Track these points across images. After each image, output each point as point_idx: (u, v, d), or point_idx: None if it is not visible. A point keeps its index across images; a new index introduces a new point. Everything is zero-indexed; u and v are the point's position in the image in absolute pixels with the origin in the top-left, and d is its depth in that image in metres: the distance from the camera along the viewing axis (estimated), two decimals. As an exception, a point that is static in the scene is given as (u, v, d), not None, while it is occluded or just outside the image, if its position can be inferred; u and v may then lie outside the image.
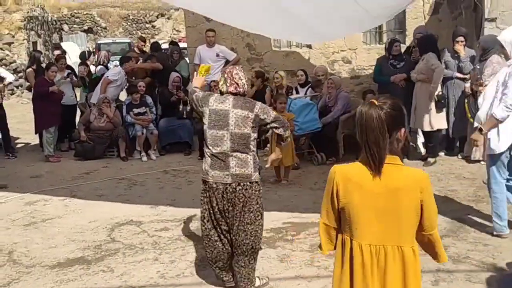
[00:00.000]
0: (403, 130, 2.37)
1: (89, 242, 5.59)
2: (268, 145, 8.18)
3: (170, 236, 5.64)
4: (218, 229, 4.26)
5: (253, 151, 4.19)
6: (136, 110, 9.54)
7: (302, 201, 6.61)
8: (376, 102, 2.33)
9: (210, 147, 4.14)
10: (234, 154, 4.10)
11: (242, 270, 4.25)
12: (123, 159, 9.29)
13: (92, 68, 12.19)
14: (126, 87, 10.12)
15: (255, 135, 4.20)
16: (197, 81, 4.63)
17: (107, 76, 9.97)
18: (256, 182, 4.17)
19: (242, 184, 4.09)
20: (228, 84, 4.18)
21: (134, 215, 6.36)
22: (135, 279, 4.69)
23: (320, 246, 2.58)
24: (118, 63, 10.86)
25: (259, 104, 4.21)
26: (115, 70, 10.30)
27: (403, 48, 8.89)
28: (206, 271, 4.78)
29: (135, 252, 5.29)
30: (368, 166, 2.33)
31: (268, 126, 4.25)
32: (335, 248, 2.53)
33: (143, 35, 22.43)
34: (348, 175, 2.37)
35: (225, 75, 4.22)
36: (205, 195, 4.23)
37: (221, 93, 4.25)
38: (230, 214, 4.16)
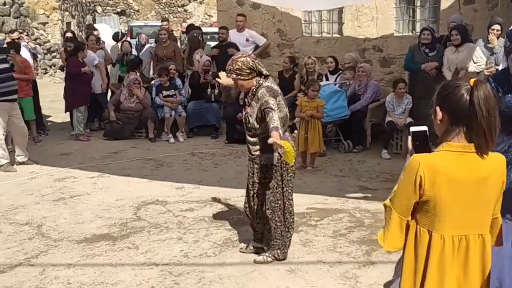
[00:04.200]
0: None
1: (115, 219, 5.70)
2: (296, 131, 8.16)
3: (194, 217, 5.71)
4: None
5: None
6: (165, 92, 9.62)
7: (327, 188, 6.60)
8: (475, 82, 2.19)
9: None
10: None
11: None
12: (151, 140, 9.40)
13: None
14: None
15: None
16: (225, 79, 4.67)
17: None
18: None
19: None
20: (264, 68, 4.43)
21: (160, 195, 6.44)
22: (159, 256, 4.76)
23: (382, 241, 2.33)
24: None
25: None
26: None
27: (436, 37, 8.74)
28: (228, 251, 4.84)
29: (159, 230, 5.36)
30: (479, 150, 2.19)
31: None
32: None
33: (175, 18, 22.48)
34: (436, 166, 2.19)
35: (256, 61, 4.41)
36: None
37: (266, 76, 4.42)
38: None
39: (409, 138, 2.35)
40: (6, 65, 7.72)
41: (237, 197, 6.08)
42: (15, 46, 9.18)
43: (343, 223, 5.44)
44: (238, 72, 4.35)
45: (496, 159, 2.27)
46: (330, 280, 4.27)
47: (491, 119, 2.18)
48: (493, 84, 3.31)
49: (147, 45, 11.67)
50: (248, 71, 4.33)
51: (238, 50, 9.22)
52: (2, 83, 7.48)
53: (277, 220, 4.51)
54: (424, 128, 2.33)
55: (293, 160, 4.33)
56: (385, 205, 2.31)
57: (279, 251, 4.56)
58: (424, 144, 2.31)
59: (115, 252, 4.87)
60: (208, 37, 14.50)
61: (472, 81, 2.21)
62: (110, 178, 7.19)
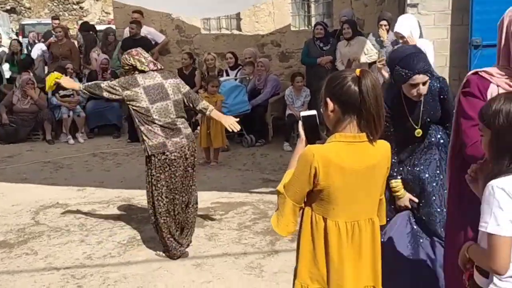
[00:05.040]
0: None
1: (11, 225, 5.44)
2: (199, 127, 8.18)
3: (97, 218, 5.57)
4: (178, 197, 4.58)
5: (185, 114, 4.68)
6: (62, 92, 9.27)
7: (231, 182, 6.68)
8: None
9: (157, 120, 4.43)
10: (179, 119, 4.52)
11: (193, 224, 4.80)
12: (49, 142, 9.04)
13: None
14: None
15: None
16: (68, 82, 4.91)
17: None
18: None
19: (191, 142, 4.58)
20: (146, 64, 4.54)
21: (61, 198, 6.22)
22: (60, 260, 4.61)
23: (276, 226, 2.37)
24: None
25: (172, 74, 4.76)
26: None
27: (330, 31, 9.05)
28: (133, 250, 4.78)
29: (60, 234, 5.19)
30: (370, 137, 2.30)
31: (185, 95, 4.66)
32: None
33: (71, 16, 21.69)
34: (329, 157, 2.25)
35: (136, 57, 4.55)
36: (160, 173, 4.46)
37: (142, 71, 4.55)
38: (188, 177, 4.60)
39: (300, 122, 2.44)
40: None
41: (141, 195, 5.99)
42: None
43: (248, 216, 5.53)
44: (123, 69, 4.70)
45: (383, 146, 2.39)
46: (236, 271, 4.33)
47: (379, 105, 2.30)
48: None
49: (37, 44, 11.22)
50: (127, 67, 4.58)
51: (150, 44, 9.10)
52: None
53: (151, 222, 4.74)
54: (314, 112, 2.41)
55: (52, 85, 4.75)
56: (278, 192, 2.37)
57: (167, 253, 4.64)
58: (314, 128, 2.40)
59: (12, 260, 4.66)
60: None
61: (358, 71, 2.31)
62: (5, 183, 6.83)
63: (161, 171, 4.45)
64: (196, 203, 4.82)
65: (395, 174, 3.48)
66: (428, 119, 3.47)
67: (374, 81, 2.29)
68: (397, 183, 3.50)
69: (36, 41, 11.35)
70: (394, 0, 9.02)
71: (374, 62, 8.06)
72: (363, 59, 7.86)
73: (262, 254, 4.62)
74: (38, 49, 10.84)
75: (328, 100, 2.34)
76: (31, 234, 5.20)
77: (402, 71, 3.27)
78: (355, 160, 2.29)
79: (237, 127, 4.75)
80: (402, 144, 3.51)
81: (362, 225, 2.37)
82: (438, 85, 3.49)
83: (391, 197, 3.50)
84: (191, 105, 4.67)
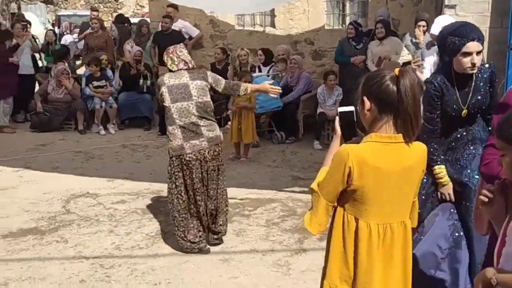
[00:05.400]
0: None
1: (43, 213, 5.52)
2: (229, 122, 8.18)
3: (126, 209, 5.62)
4: (200, 198, 4.53)
5: (214, 117, 4.61)
6: (95, 83, 9.38)
7: (260, 178, 6.66)
8: None
9: (178, 120, 4.42)
10: (203, 121, 4.45)
11: (222, 228, 4.73)
12: (81, 132, 9.15)
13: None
14: None
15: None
16: None
17: None
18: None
19: (216, 146, 4.51)
20: (176, 62, 4.54)
21: (91, 187, 6.29)
22: (90, 249, 4.66)
23: (309, 224, 2.39)
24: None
25: (210, 74, 4.66)
26: None
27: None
28: (161, 243, 4.80)
29: (90, 223, 5.24)
30: (406, 138, 2.26)
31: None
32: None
33: (106, 8, 21.95)
34: (364, 157, 2.23)
35: (170, 55, 4.56)
36: (179, 171, 4.46)
37: (171, 72, 4.58)
38: (208, 181, 4.54)
39: (337, 118, 2.40)
40: None
41: (170, 188, 6.02)
42: None
43: (276, 213, 5.51)
44: None
45: (419, 148, 2.34)
46: (263, 268, 4.32)
47: (417, 105, 2.26)
48: (437, 84, 3.37)
49: (66, 35, 11.35)
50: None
51: (182, 38, 9.11)
52: None
53: None
54: (352, 108, 2.38)
55: None
56: (312, 190, 2.35)
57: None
58: (351, 124, 2.36)
59: (43, 246, 4.72)
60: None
61: (396, 70, 2.28)
62: (38, 172, 6.94)
63: (179, 170, 4.48)
64: (226, 206, 4.76)
65: (439, 160, 3.39)
66: (476, 104, 3.36)
67: (412, 81, 2.26)
68: (440, 169, 3.39)
69: (66, 32, 11.44)
70: (432, 1, 8.87)
71: (408, 63, 7.96)
72: (393, 58, 7.77)
73: (290, 252, 4.59)
74: (65, 41, 10.98)
75: (365, 98, 2.30)
76: (61, 222, 5.26)
77: (455, 39, 3.20)
78: (390, 161, 2.26)
79: (278, 90, 4.87)
80: (446, 131, 3.41)
81: (394, 228, 2.33)
82: (489, 69, 3.40)
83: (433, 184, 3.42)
84: (232, 93, 4.78)
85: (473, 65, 3.23)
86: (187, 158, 4.42)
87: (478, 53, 3.21)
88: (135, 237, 4.93)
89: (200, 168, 4.47)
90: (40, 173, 6.88)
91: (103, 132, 9.19)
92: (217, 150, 4.54)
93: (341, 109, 2.40)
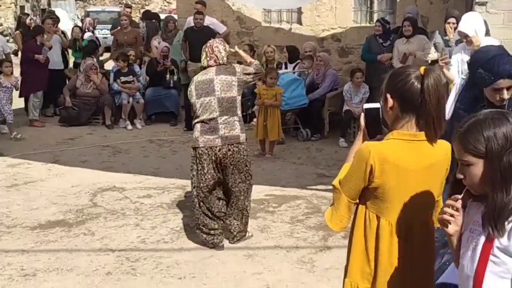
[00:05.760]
0: None
1: (71, 205, 5.61)
2: (255, 119, 8.20)
3: (152, 203, 5.67)
4: (215, 194, 4.58)
5: (239, 114, 4.50)
6: (123, 78, 9.48)
7: (285, 175, 6.66)
8: None
9: (200, 115, 4.44)
10: (223, 118, 4.41)
11: (235, 223, 4.65)
12: (108, 127, 9.26)
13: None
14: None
15: (240, 97, 4.53)
16: None
17: None
18: (244, 143, 4.50)
19: (231, 145, 4.40)
20: (208, 58, 4.51)
21: (117, 181, 6.37)
22: (116, 243, 4.72)
23: (329, 220, 2.37)
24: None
25: (238, 67, 4.58)
26: None
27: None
28: (186, 237, 4.84)
29: (116, 217, 5.31)
30: (428, 138, 2.24)
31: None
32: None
33: (134, 4, 22.18)
34: (385, 155, 2.20)
35: (206, 49, 4.54)
36: (195, 162, 4.48)
37: (204, 69, 4.57)
38: (222, 177, 4.53)
39: (362, 115, 2.39)
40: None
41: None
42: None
43: (301, 210, 5.50)
44: None
45: (443, 146, 2.29)
46: (287, 264, 4.32)
47: (441, 107, 2.22)
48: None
49: (86, 32, 11.53)
50: None
51: (213, 34, 9.13)
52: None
53: None
54: (378, 105, 2.35)
55: None
56: (334, 186, 2.34)
57: None
58: (376, 121, 2.34)
59: (70, 238, 4.80)
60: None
61: (422, 68, 2.23)
62: (66, 165, 7.05)
63: (194, 162, 4.52)
64: (244, 208, 4.68)
65: None
66: None
67: (438, 82, 2.21)
68: None
69: (88, 28, 11.56)
70: (462, -3, 8.74)
71: (436, 61, 7.86)
72: (419, 55, 7.70)
73: (314, 249, 4.59)
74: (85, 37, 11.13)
75: (388, 96, 2.27)
76: (89, 215, 5.34)
77: (485, 74, 3.08)
78: (412, 159, 2.23)
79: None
80: None
81: (416, 227, 2.31)
82: None
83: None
84: (251, 79, 4.67)
85: (502, 100, 3.12)
86: (199, 151, 4.45)
87: (509, 88, 3.08)
88: (160, 231, 4.98)
89: (212, 164, 4.45)
90: (68, 166, 6.99)
91: (130, 127, 9.28)
92: (232, 149, 4.42)
93: (367, 105, 2.38)
